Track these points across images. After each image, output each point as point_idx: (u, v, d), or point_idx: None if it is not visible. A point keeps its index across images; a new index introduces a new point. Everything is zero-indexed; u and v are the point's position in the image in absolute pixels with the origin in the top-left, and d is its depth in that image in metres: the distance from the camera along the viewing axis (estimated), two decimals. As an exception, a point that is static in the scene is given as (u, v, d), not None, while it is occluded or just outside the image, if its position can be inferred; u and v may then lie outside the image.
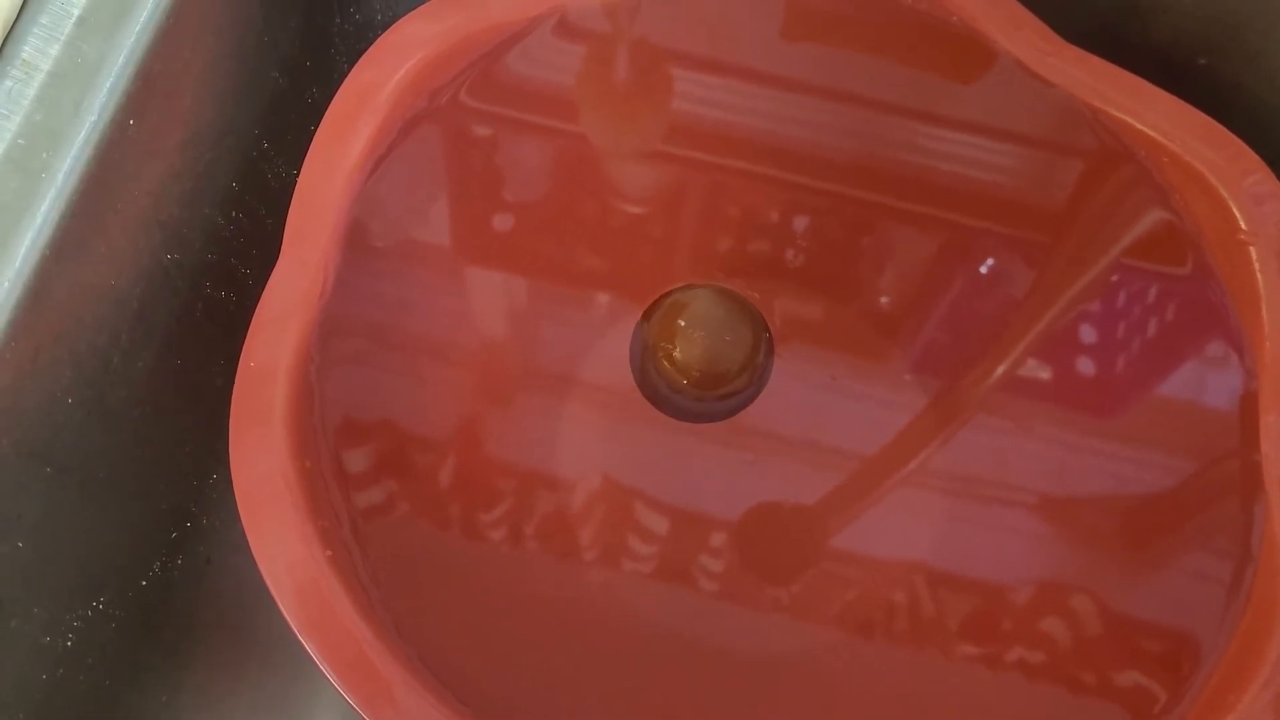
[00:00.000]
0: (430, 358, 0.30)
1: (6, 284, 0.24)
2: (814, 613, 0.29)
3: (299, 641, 0.24)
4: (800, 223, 0.32)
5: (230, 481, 0.25)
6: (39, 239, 0.25)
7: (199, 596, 0.35)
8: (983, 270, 0.32)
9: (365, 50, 0.30)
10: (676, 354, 0.29)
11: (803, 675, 0.28)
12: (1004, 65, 0.31)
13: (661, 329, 0.30)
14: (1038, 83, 0.31)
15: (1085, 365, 0.31)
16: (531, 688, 0.27)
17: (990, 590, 0.29)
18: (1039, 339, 0.31)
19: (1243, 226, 0.29)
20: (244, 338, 0.27)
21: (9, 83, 0.25)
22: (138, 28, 0.27)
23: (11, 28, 0.25)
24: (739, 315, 0.30)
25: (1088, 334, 0.31)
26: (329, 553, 0.25)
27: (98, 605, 0.31)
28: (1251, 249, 0.29)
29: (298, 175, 0.28)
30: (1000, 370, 0.31)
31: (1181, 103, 0.30)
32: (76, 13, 0.26)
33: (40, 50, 0.25)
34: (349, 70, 0.29)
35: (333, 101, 0.29)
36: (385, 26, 0.30)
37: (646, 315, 0.31)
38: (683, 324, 0.30)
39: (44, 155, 0.25)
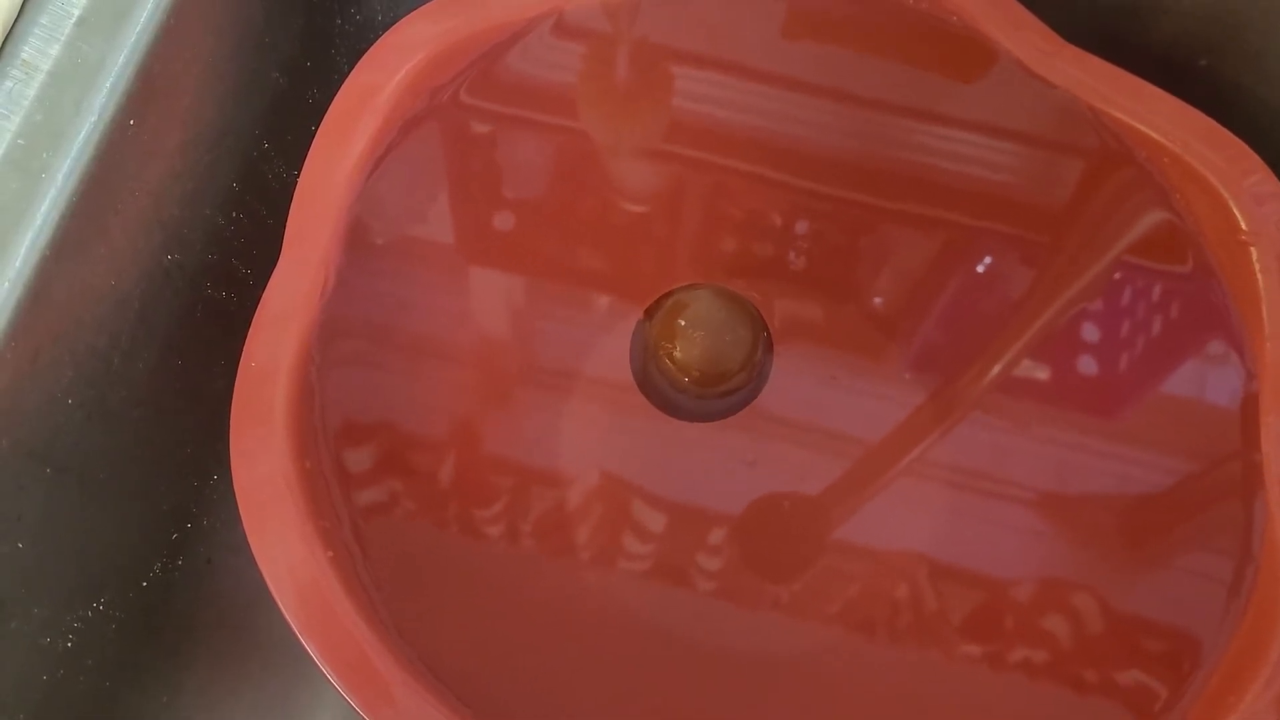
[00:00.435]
0: (431, 357, 0.30)
1: (6, 284, 0.24)
2: (814, 611, 0.29)
3: (299, 642, 0.24)
4: (800, 222, 0.32)
5: (231, 482, 0.25)
6: (39, 239, 0.25)
7: (199, 597, 0.35)
8: (982, 270, 0.32)
9: (366, 50, 0.30)
10: (677, 353, 0.29)
11: (803, 676, 0.28)
12: (1004, 66, 0.31)
13: (662, 329, 0.30)
14: (1038, 83, 0.31)
15: (1085, 365, 0.31)
16: (531, 689, 0.27)
17: (992, 585, 0.29)
18: (1039, 339, 0.31)
19: (1243, 227, 0.29)
20: (244, 338, 0.27)
21: (9, 83, 0.25)
22: (138, 28, 0.27)
23: (11, 28, 0.25)
24: (739, 315, 0.30)
25: (1088, 333, 0.31)
26: (330, 553, 0.25)
27: (98, 606, 0.31)
28: (1252, 249, 0.29)
29: (298, 175, 0.28)
30: (999, 369, 0.31)
31: (1182, 103, 0.30)
32: (76, 13, 0.26)
33: (40, 51, 0.25)
34: (349, 70, 0.29)
35: (333, 101, 0.29)
36: (386, 27, 0.30)
37: (648, 314, 0.31)
38: (683, 324, 0.30)
39: (44, 155, 0.25)
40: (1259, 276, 0.29)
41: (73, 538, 0.29)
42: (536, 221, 0.32)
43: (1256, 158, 0.29)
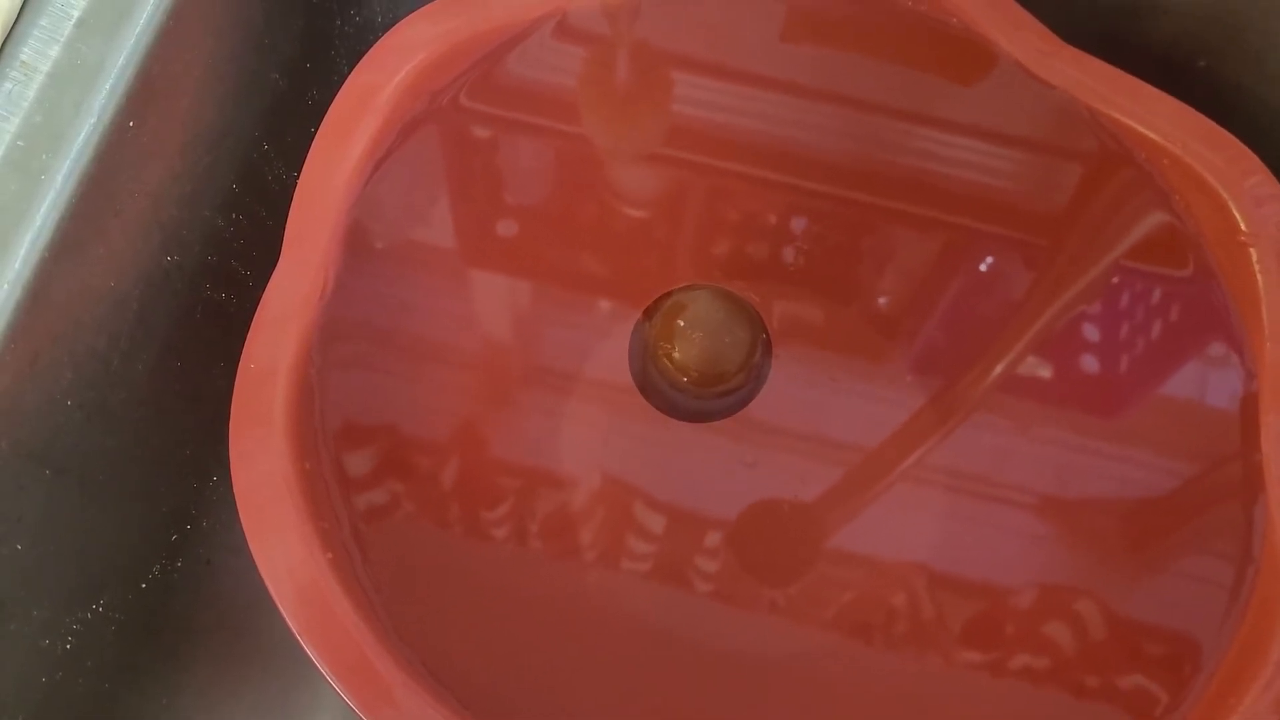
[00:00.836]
0: (431, 359, 0.30)
1: (6, 285, 0.24)
2: (811, 615, 0.29)
3: (299, 644, 0.24)
4: (800, 225, 0.32)
5: (230, 483, 0.25)
6: (39, 240, 0.25)
7: (199, 599, 0.35)
8: (983, 272, 0.32)
9: (365, 52, 0.30)
10: (676, 354, 0.29)
11: (800, 679, 0.28)
12: (1004, 67, 0.31)
13: (661, 329, 0.30)
14: (1038, 85, 0.31)
15: (1086, 367, 0.31)
16: (530, 690, 0.27)
17: (992, 592, 0.29)
18: (1039, 341, 0.31)
19: (1243, 228, 0.29)
20: (244, 339, 0.27)
21: (9, 84, 0.25)
22: (137, 29, 0.27)
23: (11, 29, 0.25)
24: (737, 316, 0.30)
25: (1088, 335, 0.31)
26: (329, 555, 0.25)
27: (97, 607, 0.31)
28: (1252, 250, 0.29)
29: (298, 177, 0.28)
30: (999, 371, 0.31)
31: (1182, 105, 0.30)
32: (76, 14, 0.26)
33: (40, 52, 0.25)
34: (349, 72, 0.29)
35: (333, 103, 0.29)
36: (385, 28, 0.30)
37: (647, 315, 0.31)
38: (682, 324, 0.30)
39: (44, 157, 0.25)
40: (1259, 277, 0.29)
41: (72, 539, 0.29)
42: (536, 225, 0.32)
43: (1256, 159, 0.29)
